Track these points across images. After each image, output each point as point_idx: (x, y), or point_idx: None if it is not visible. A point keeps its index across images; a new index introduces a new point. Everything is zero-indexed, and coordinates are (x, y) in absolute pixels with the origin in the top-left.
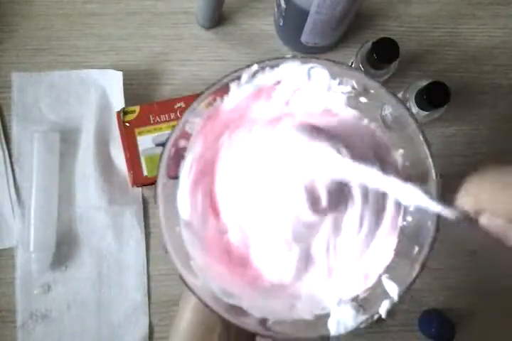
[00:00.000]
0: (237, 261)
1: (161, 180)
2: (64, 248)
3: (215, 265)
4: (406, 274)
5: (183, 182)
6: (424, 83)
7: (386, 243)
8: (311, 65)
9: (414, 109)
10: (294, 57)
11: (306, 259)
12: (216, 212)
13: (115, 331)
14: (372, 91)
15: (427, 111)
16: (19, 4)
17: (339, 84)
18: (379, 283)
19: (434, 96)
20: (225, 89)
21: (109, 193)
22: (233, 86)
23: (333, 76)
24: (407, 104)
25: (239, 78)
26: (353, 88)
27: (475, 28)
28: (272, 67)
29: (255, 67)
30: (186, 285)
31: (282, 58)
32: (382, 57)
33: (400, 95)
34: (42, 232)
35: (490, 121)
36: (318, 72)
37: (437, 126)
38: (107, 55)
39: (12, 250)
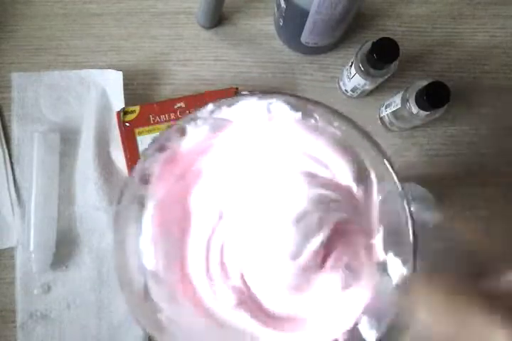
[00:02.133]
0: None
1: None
2: (64, 248)
3: (184, 314)
4: (384, 313)
5: (145, 231)
6: (424, 83)
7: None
8: (269, 100)
9: (414, 109)
10: (251, 93)
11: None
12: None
13: (115, 331)
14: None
15: (427, 111)
16: (19, 4)
17: (302, 118)
18: (356, 327)
19: (434, 96)
20: (181, 132)
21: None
22: (190, 127)
23: (295, 109)
24: (407, 104)
25: (194, 119)
26: (316, 121)
27: (475, 28)
28: (229, 105)
29: (210, 106)
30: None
31: (239, 96)
32: (382, 57)
33: (399, 95)
34: (42, 232)
35: (490, 121)
36: (278, 106)
37: (437, 126)
38: (107, 55)
39: (12, 250)
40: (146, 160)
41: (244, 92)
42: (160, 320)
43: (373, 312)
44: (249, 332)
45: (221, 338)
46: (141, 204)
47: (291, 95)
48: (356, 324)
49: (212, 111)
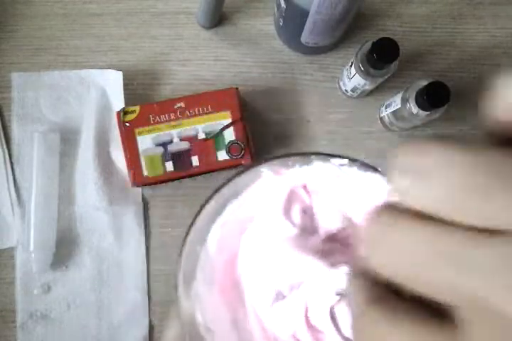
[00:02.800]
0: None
1: None
2: (64, 248)
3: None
4: None
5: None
6: (424, 83)
7: None
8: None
9: (415, 109)
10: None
11: None
12: None
13: (115, 331)
14: None
15: (427, 111)
16: (19, 4)
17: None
18: None
19: (434, 96)
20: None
21: (109, 193)
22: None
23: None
24: (407, 104)
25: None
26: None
27: (475, 28)
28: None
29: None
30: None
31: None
32: (382, 57)
33: (399, 95)
34: (42, 232)
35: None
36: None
37: (437, 126)
38: (107, 55)
39: (12, 250)
40: None
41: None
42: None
43: None
44: None
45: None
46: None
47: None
48: None
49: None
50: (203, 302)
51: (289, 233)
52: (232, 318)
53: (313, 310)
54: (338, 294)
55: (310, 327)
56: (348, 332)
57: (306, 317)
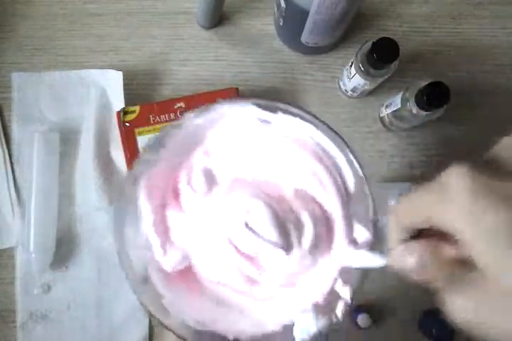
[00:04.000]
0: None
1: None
2: (64, 248)
3: (183, 297)
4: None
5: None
6: (424, 83)
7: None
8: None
9: (414, 109)
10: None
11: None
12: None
13: (115, 331)
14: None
15: (427, 111)
16: (19, 4)
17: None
18: (333, 288)
19: (434, 96)
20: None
21: (109, 193)
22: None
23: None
24: (407, 104)
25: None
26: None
27: (475, 28)
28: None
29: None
30: (164, 325)
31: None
32: (382, 57)
33: (399, 95)
34: (42, 232)
35: (490, 121)
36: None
37: (437, 126)
38: (107, 55)
39: (12, 250)
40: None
41: (218, 100)
42: (163, 305)
43: (345, 275)
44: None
45: (217, 313)
46: (137, 182)
47: (259, 98)
48: (332, 287)
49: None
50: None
51: None
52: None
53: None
54: None
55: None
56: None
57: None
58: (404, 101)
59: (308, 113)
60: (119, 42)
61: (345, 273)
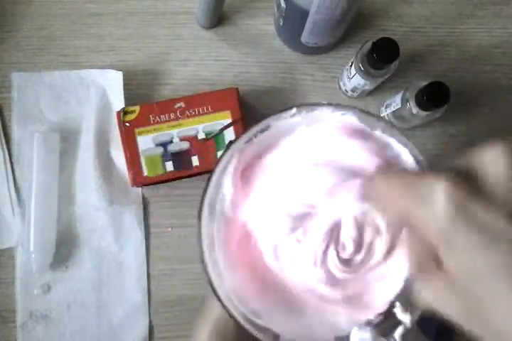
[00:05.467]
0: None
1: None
2: (64, 248)
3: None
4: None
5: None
6: (424, 83)
7: (398, 268)
8: (342, 111)
9: (414, 109)
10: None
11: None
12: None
13: (115, 331)
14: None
15: (427, 111)
16: (19, 4)
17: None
18: (391, 309)
19: (434, 96)
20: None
21: (109, 193)
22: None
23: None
24: (407, 104)
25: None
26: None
27: (475, 28)
28: (308, 111)
29: (294, 110)
30: (216, 295)
31: (318, 104)
32: (382, 57)
33: (400, 95)
34: (42, 232)
35: (490, 121)
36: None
37: (437, 126)
38: (107, 55)
39: (12, 250)
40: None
41: (323, 102)
42: (222, 275)
43: (405, 299)
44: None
45: (277, 309)
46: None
47: (362, 110)
48: (390, 309)
49: (293, 115)
50: (227, 280)
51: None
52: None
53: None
54: None
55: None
56: None
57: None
58: (404, 101)
59: (405, 136)
60: (119, 42)
61: (404, 300)
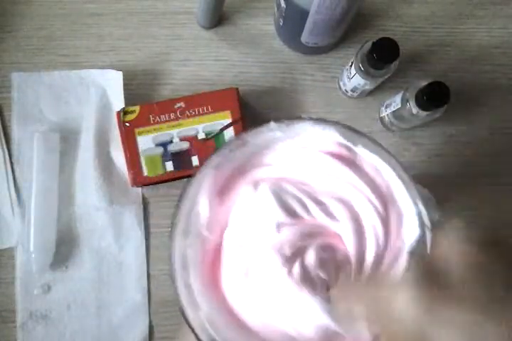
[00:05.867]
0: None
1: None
2: (64, 248)
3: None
4: None
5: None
6: (424, 83)
7: None
8: (323, 126)
9: (414, 109)
10: (310, 118)
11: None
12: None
13: (115, 331)
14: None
15: (427, 111)
16: (19, 4)
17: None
18: None
19: (434, 96)
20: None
21: (109, 193)
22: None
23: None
24: (407, 104)
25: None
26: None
27: (475, 28)
28: (288, 125)
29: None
30: (186, 321)
31: (299, 119)
32: (382, 57)
33: (400, 95)
34: (42, 232)
35: (490, 121)
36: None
37: (437, 126)
38: (107, 55)
39: (12, 250)
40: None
41: (304, 116)
42: (196, 300)
43: None
44: None
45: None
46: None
47: (344, 125)
48: None
49: (271, 130)
50: (203, 305)
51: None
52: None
53: None
54: None
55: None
56: None
57: None
58: (404, 101)
59: (389, 153)
60: (119, 42)
61: None
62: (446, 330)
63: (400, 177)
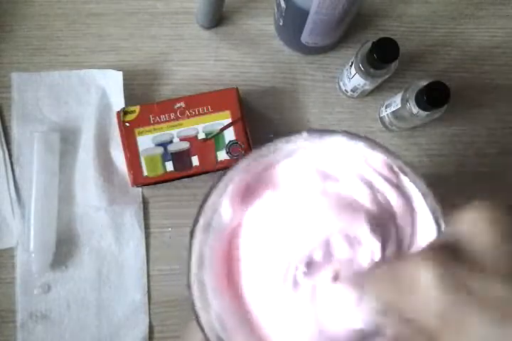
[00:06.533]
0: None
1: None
2: (64, 248)
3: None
4: None
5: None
6: (424, 83)
7: None
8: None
9: (414, 109)
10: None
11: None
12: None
13: (115, 331)
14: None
15: (427, 111)
16: (19, 4)
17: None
18: None
19: (434, 96)
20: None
21: (109, 193)
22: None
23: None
24: (407, 104)
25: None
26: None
27: (475, 28)
28: (321, 137)
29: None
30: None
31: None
32: (382, 57)
33: (399, 95)
34: (42, 232)
35: (490, 121)
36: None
37: (437, 126)
38: (107, 55)
39: (12, 250)
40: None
41: (338, 130)
42: (208, 299)
43: None
44: None
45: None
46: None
47: (377, 143)
48: None
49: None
50: (214, 305)
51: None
52: (239, 312)
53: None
54: None
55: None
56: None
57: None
58: (404, 101)
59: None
60: (119, 42)
61: None
62: (471, 308)
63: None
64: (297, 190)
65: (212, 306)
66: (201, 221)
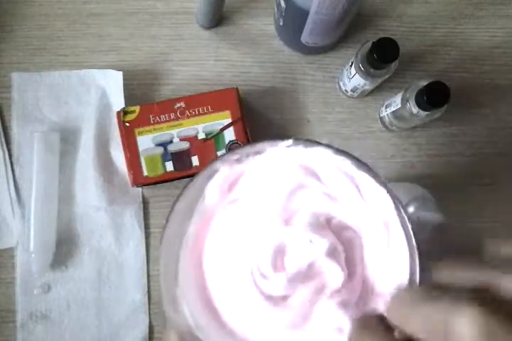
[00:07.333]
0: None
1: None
2: (64, 248)
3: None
4: None
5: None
6: (424, 83)
7: None
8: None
9: (414, 109)
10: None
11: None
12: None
13: (115, 331)
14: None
15: (427, 111)
16: (19, 4)
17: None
18: None
19: (434, 96)
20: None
21: (109, 193)
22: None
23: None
24: (407, 104)
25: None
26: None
27: (475, 28)
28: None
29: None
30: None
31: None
32: (382, 57)
33: (400, 95)
34: (42, 232)
35: (490, 121)
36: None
37: (437, 126)
38: (107, 55)
39: (12, 250)
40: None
41: (324, 142)
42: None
43: None
44: None
45: None
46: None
47: (359, 160)
48: None
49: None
50: (189, 302)
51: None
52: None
53: None
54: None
55: None
56: None
57: None
58: (404, 101)
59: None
60: (119, 42)
61: None
62: None
63: (398, 215)
64: (260, 198)
65: (184, 315)
66: (182, 207)
